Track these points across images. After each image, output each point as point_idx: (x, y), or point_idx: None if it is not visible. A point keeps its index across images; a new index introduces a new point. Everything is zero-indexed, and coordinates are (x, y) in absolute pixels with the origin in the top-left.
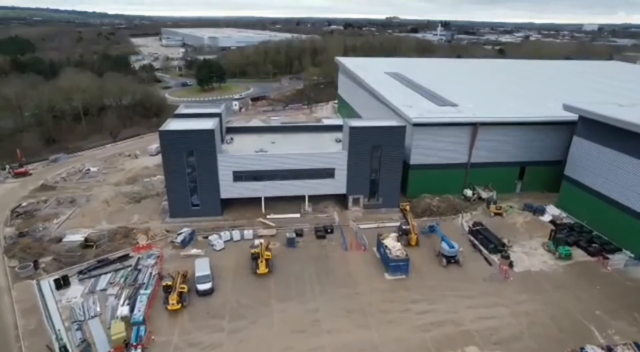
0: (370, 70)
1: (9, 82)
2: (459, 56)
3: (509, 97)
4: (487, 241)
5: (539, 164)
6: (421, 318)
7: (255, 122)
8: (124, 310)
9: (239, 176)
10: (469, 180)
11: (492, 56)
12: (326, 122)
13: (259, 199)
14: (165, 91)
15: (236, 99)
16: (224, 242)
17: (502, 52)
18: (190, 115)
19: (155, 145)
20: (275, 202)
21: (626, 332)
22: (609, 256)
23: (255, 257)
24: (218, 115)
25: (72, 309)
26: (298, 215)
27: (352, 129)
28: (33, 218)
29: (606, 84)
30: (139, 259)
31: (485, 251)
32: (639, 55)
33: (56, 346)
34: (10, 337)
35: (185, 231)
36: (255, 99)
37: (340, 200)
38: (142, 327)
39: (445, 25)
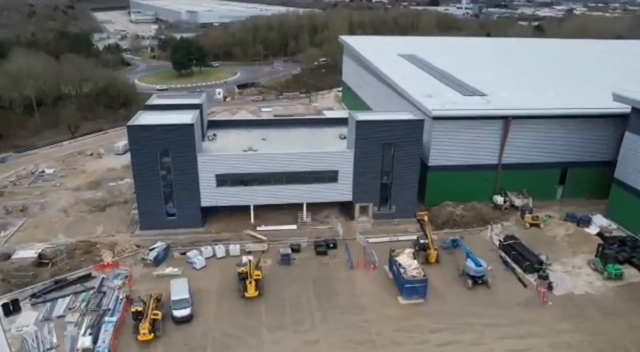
0: (381, 51)
1: None
2: (488, 34)
3: (548, 85)
4: (521, 257)
5: (584, 166)
6: (442, 351)
7: (243, 115)
8: (85, 341)
9: (223, 180)
10: (499, 184)
11: (529, 34)
12: (328, 114)
13: (248, 207)
14: (134, 77)
15: (220, 87)
16: (206, 259)
17: (540, 29)
18: (165, 107)
19: (122, 143)
20: (267, 212)
21: None
22: None
23: (242, 278)
24: (198, 106)
25: (23, 340)
26: (294, 227)
27: (360, 124)
28: None
29: None
30: (103, 279)
31: (519, 270)
32: None
33: None
34: None
35: (159, 245)
36: (242, 87)
37: (345, 209)
38: None
39: None
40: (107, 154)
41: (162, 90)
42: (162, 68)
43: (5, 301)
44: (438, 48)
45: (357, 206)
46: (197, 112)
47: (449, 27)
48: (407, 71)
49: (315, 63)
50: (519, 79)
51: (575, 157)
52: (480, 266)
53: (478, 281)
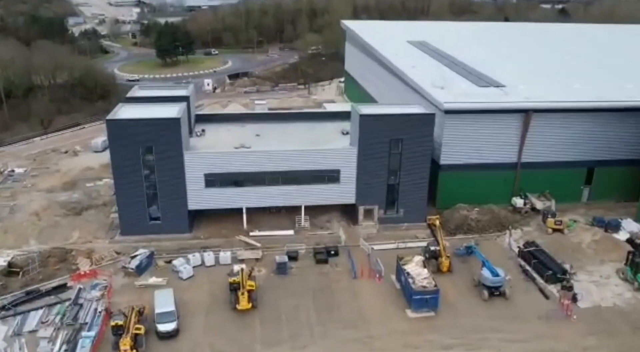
0: (388, 38)
1: None
2: (506, 19)
3: (573, 76)
4: (543, 266)
5: (613, 165)
6: None
7: (235, 108)
8: None
9: (212, 181)
10: (519, 185)
11: (551, 19)
12: (329, 108)
13: (240, 211)
14: (114, 66)
15: (209, 77)
16: (193, 268)
17: (565, 13)
18: (148, 99)
19: (101, 139)
20: (262, 216)
21: None
22: None
23: (234, 288)
24: (185, 99)
25: None
26: (291, 232)
27: (364, 118)
28: None
29: None
30: (80, 290)
31: (540, 280)
32: None
33: None
34: None
35: (142, 253)
36: (234, 77)
37: (348, 212)
38: None
39: None
40: (84, 152)
41: (133, 80)
42: (144, 56)
43: None
44: (451, 34)
45: (360, 209)
46: (183, 105)
47: (462, 11)
48: (417, 60)
49: (309, 51)
50: (541, 69)
51: (603, 155)
52: (498, 275)
53: (495, 292)
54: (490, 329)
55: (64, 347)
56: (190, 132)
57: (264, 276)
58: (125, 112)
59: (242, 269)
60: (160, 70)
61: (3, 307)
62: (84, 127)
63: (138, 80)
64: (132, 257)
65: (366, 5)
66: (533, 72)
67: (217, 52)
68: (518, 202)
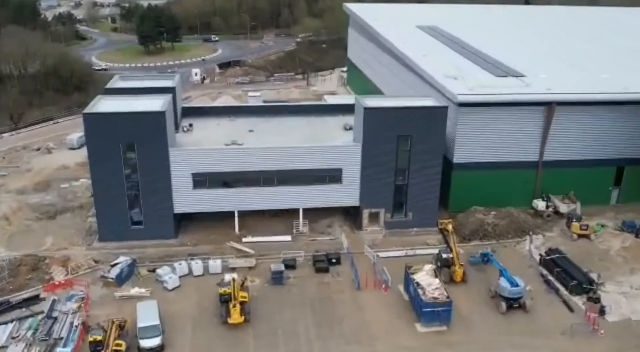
0: (395, 23)
1: None
2: (527, 2)
3: (601, 64)
4: (567, 275)
5: None
6: None
7: (226, 101)
8: None
9: (201, 181)
10: (540, 186)
11: (577, 2)
12: (330, 100)
13: (231, 214)
14: (91, 53)
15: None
16: (180, 277)
17: None
18: (130, 91)
19: (77, 135)
20: (255, 220)
21: None
22: None
23: (225, 300)
24: (170, 90)
25: None
26: (288, 238)
27: (369, 112)
28: None
29: None
30: (54, 302)
31: (564, 291)
32: None
33: None
34: None
35: (122, 261)
36: (225, 66)
37: (351, 216)
38: None
39: None
40: (59, 149)
41: (100, 70)
42: (125, 43)
43: None
44: (464, 18)
45: (365, 213)
46: (169, 97)
47: None
48: (428, 47)
49: (299, 38)
50: (564, 56)
51: (634, 153)
52: (517, 285)
53: (514, 304)
54: (508, 345)
55: None
56: (177, 127)
57: (258, 287)
58: (104, 105)
59: (233, 279)
60: (142, 59)
61: None
62: (58, 122)
63: (105, 69)
64: (112, 266)
65: None
66: (556, 61)
67: (217, 38)
68: (540, 204)
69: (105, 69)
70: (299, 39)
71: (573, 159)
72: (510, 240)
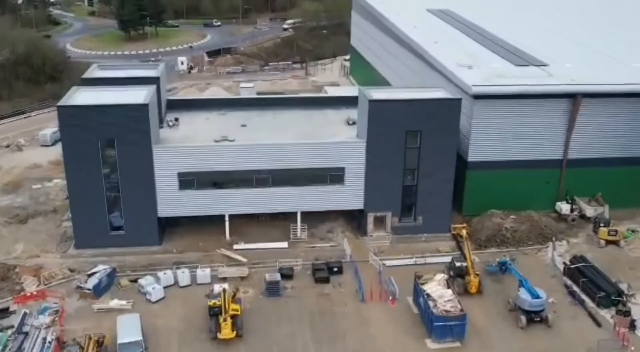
0: (404, 6)
1: None
2: None
3: (632, 51)
4: (594, 286)
5: None
6: None
7: (215, 93)
8: None
9: (188, 181)
10: (564, 187)
11: None
12: (331, 92)
13: (221, 218)
14: (66, 40)
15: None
16: (164, 288)
17: None
18: (109, 81)
19: (51, 130)
20: (248, 224)
21: None
22: None
23: (215, 313)
24: (154, 81)
25: None
26: (285, 244)
27: (374, 104)
28: None
29: None
30: (25, 315)
31: (590, 304)
32: None
33: None
34: None
35: (101, 270)
36: (214, 54)
37: (354, 220)
38: None
39: None
40: (30, 146)
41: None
42: (104, 28)
43: None
44: (481, 1)
45: (370, 217)
46: (152, 88)
47: None
48: (439, 32)
49: (286, 25)
50: (591, 43)
51: None
52: (538, 297)
53: (535, 317)
54: None
55: None
56: (161, 121)
57: (252, 298)
58: (80, 97)
59: (224, 290)
60: (123, 46)
61: None
62: (30, 116)
63: (69, 57)
64: (89, 276)
65: None
66: (582, 47)
67: (219, 23)
68: (564, 207)
69: (68, 57)
70: (285, 26)
71: (601, 157)
72: (531, 247)
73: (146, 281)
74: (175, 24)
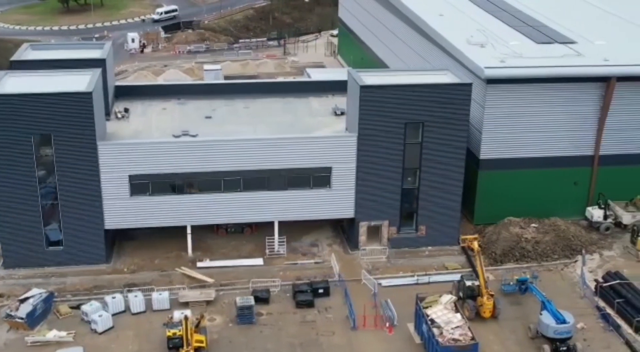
0: None
1: None
2: None
3: None
4: (631, 308)
5: None
6: None
7: (174, 77)
8: None
9: (141, 185)
10: (595, 189)
11: None
12: (315, 75)
13: (183, 230)
14: None
15: (134, 29)
16: (113, 316)
17: None
18: (44, 64)
19: None
20: (215, 237)
21: None
22: None
23: (175, 346)
24: (99, 63)
25: None
26: (260, 261)
27: (367, 91)
28: None
29: None
30: None
31: (627, 329)
32: None
33: None
34: None
35: (36, 294)
36: (172, 29)
37: (344, 231)
38: None
39: None
40: None
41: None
42: None
43: None
44: None
45: (362, 227)
46: (97, 73)
47: None
48: (445, 4)
49: None
50: (628, 16)
51: None
52: (565, 322)
53: (561, 346)
54: None
55: None
56: (107, 113)
57: (220, 327)
58: (9, 83)
59: (186, 317)
60: (60, 19)
61: None
62: None
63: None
64: (22, 301)
65: None
66: (616, 22)
67: None
68: (595, 214)
69: None
70: None
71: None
72: (557, 262)
73: (91, 308)
74: None
